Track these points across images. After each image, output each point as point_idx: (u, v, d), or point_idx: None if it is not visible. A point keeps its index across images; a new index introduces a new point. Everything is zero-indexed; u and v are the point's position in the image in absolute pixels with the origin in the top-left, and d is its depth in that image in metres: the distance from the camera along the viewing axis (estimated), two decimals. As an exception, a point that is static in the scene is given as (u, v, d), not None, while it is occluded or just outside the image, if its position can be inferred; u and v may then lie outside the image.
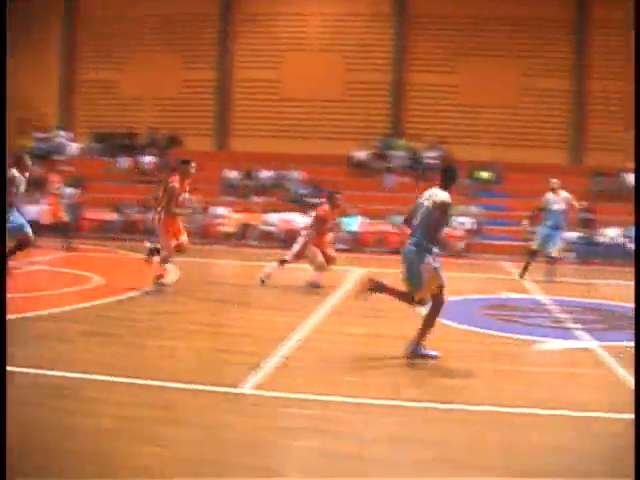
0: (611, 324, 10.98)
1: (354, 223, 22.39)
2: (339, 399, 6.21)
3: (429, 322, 7.78)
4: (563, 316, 11.08)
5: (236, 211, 23.53)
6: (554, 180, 15.94)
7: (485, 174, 25.97)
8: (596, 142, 28.52)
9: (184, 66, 29.80)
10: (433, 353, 7.77)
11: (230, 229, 23.11)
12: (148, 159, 27.32)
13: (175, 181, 12.09)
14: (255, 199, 25.14)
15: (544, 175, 25.75)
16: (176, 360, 7.50)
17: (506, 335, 9.34)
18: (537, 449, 5.29)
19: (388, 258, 18.81)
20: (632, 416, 6.10)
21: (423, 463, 4.92)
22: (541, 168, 25.91)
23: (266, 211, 23.56)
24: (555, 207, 15.50)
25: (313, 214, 13.51)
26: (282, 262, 13.21)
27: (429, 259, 7.65)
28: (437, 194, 7.72)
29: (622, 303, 12.76)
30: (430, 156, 26.77)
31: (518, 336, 9.28)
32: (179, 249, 12.37)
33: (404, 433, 5.56)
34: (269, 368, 7.03)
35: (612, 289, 15.97)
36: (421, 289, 7.73)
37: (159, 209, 12.30)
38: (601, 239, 22.21)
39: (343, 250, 19.17)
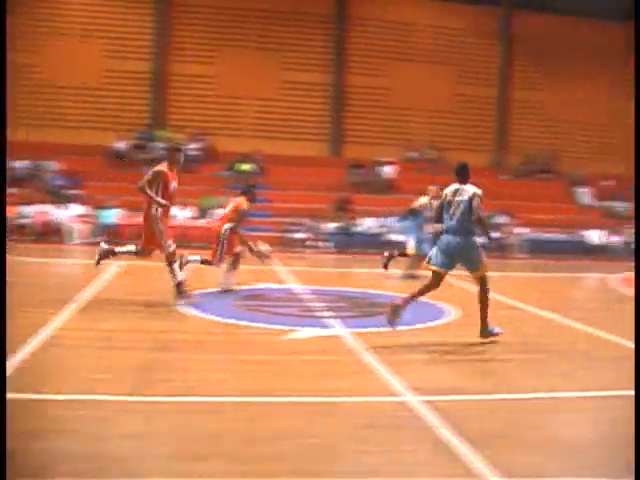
0: (361, 311, 11.36)
1: (112, 215, 21.89)
2: (83, 397, 5.99)
3: (486, 302, 9.01)
4: (316, 305, 11.36)
5: (-14, 203, 22.31)
6: (431, 187, 15.96)
7: (246, 166, 26.17)
8: (354, 135, 29.57)
9: None
10: (499, 330, 9.10)
11: (-22, 222, 21.87)
12: None
13: (163, 168, 10.77)
14: (8, 190, 23.98)
15: (305, 167, 26.53)
16: None
17: (257, 325, 9.42)
18: (282, 436, 5.33)
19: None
20: (382, 399, 6.38)
21: (162, 458, 4.84)
22: (302, 160, 26.56)
23: (21, 203, 22.55)
24: (428, 214, 15.68)
25: (229, 208, 12.68)
26: (234, 264, 12.50)
27: (477, 241, 9.04)
28: (466, 188, 8.91)
29: (374, 291, 13.26)
30: (192, 148, 26.65)
31: (269, 326, 9.37)
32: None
33: (146, 429, 5.43)
34: (11, 369, 6.69)
35: (366, 278, 16.57)
36: (481, 266, 8.99)
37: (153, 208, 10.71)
38: (358, 229, 23.03)
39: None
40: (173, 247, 10.86)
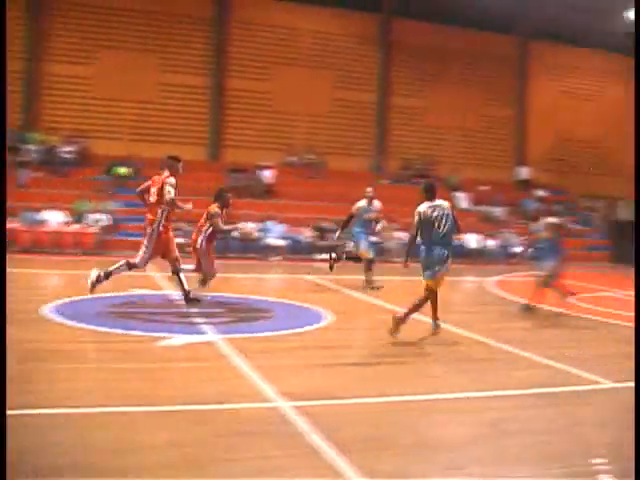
0: (237, 317, 11.29)
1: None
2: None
3: (418, 307, 9.87)
4: (191, 311, 11.23)
5: None
6: (368, 189, 16.00)
7: (123, 170, 25.67)
8: (234, 139, 29.45)
9: None
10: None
11: None
12: None
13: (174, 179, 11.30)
14: None
15: (183, 171, 26.20)
16: None
17: (129, 333, 9.24)
18: (153, 446, 5.25)
19: (18, 257, 17.98)
20: (254, 405, 6.35)
21: (23, 473, 4.66)
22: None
23: None
24: (366, 216, 15.67)
25: (204, 215, 12.66)
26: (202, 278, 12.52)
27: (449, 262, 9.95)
28: (440, 204, 9.93)
29: (251, 296, 13.22)
30: (67, 150, 26.04)
31: (141, 333, 9.20)
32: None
33: (8, 444, 5.25)
34: None
35: (245, 283, 16.50)
36: (437, 281, 9.93)
37: (159, 216, 11.20)
38: (236, 234, 22.83)
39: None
40: (143, 262, 11.25)
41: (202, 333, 9.47)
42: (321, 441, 5.35)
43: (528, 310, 12.61)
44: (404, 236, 24.37)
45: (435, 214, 9.79)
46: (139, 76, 28.43)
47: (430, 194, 9.98)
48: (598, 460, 5.43)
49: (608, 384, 7.66)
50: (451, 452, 5.48)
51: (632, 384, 7.72)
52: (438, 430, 6.05)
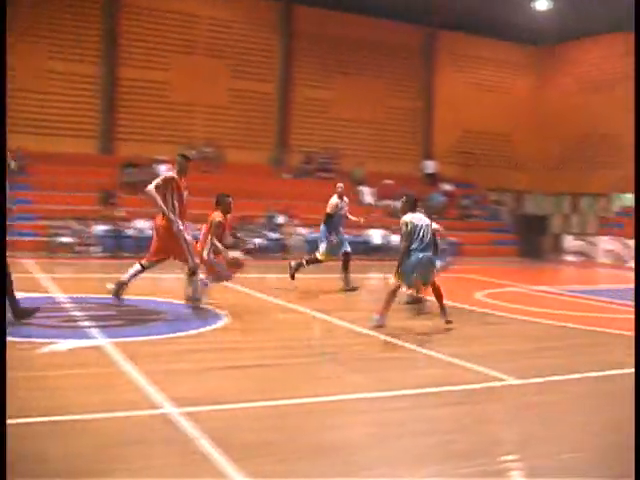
0: (128, 320, 11.08)
1: None
2: None
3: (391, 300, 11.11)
4: (78, 314, 10.97)
5: None
6: (339, 184, 15.82)
7: (10, 164, 24.97)
8: (127, 132, 28.96)
9: None
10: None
11: None
12: None
13: (174, 174, 11.42)
14: None
15: (72, 166, 25.70)
16: None
17: (12, 339, 8.92)
18: (41, 459, 5.10)
19: None
20: (140, 412, 6.21)
21: None
22: (69, 158, 25.75)
23: None
24: (342, 212, 15.56)
25: (208, 224, 12.29)
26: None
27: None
28: (420, 215, 11.10)
29: (145, 297, 13.02)
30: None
31: (23, 339, 8.93)
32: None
33: None
34: None
35: (139, 283, 16.23)
36: (432, 280, 11.24)
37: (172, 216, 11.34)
38: (130, 232, 22.49)
39: None
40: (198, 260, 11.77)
41: (90, 337, 9.26)
42: (211, 447, 5.26)
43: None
44: (306, 232, 24.43)
45: (420, 223, 10.88)
46: (24, 63, 27.57)
47: (413, 206, 11.11)
48: (504, 457, 5.50)
49: (513, 381, 7.78)
50: (351, 454, 5.46)
51: (537, 380, 7.93)
52: (337, 432, 6.02)
